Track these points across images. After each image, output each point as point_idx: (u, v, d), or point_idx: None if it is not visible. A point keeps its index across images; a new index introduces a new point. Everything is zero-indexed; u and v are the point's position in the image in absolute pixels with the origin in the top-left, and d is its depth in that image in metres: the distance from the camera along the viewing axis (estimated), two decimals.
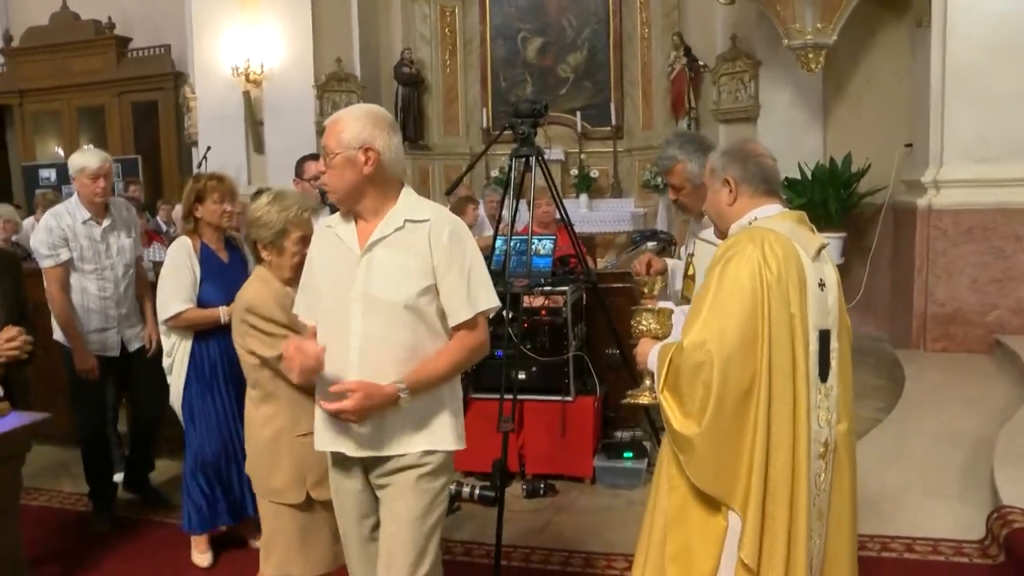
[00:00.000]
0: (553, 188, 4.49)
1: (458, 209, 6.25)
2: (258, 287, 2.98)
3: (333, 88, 10.43)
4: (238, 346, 3.02)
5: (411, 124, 10.89)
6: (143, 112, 12.67)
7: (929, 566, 3.63)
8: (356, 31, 10.57)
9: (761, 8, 8.24)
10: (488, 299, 2.54)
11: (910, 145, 7.73)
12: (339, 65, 10.44)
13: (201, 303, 3.87)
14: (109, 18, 12.43)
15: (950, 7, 6.81)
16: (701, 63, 9.24)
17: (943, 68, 6.92)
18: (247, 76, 10.57)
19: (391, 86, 11.05)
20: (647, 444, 4.94)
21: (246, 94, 10.67)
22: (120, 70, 12.58)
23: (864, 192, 8.05)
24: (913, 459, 4.69)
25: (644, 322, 2.59)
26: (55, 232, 4.32)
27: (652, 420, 4.91)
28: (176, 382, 3.95)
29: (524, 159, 4.19)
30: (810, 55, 7.79)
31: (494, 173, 10.44)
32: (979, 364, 6.53)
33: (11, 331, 3.28)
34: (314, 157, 4.68)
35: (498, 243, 4.98)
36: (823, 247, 2.50)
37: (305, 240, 2.91)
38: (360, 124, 2.47)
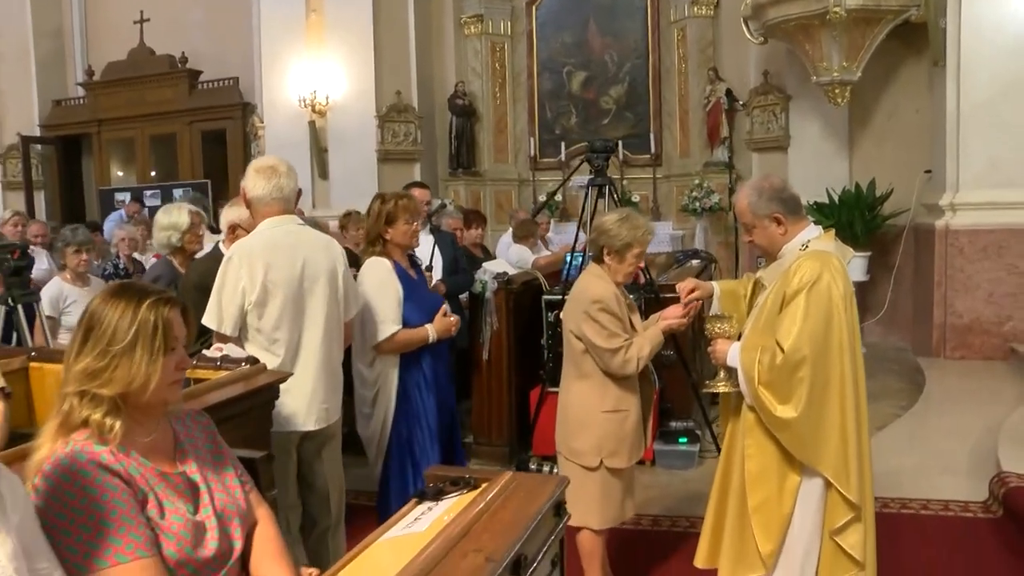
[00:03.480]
0: None
1: (527, 230, 7.04)
2: (600, 283, 3.49)
3: (393, 119, 11.28)
4: (568, 331, 3.55)
5: (464, 152, 11.74)
6: (212, 140, 13.48)
7: (940, 520, 4.41)
8: (414, 66, 11.38)
9: (791, 47, 9.03)
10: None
11: (929, 171, 8.43)
12: (398, 97, 11.28)
13: (403, 324, 3.85)
14: (182, 53, 13.28)
15: (963, 49, 7.57)
16: (739, 102, 9.99)
17: (958, 103, 7.66)
18: (313, 107, 11.40)
19: (446, 116, 11.85)
20: (698, 432, 5.71)
21: (311, 123, 11.51)
22: (191, 101, 13.43)
23: (888, 215, 8.70)
24: (928, 444, 5.45)
25: (719, 326, 3.21)
26: None
27: (704, 411, 5.71)
28: (380, 416, 3.92)
29: (599, 187, 4.99)
30: (836, 90, 8.57)
31: (541, 197, 11.21)
32: (995, 369, 7.19)
33: None
34: (419, 184, 5.49)
35: (567, 258, 5.81)
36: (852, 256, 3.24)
37: (642, 255, 3.55)
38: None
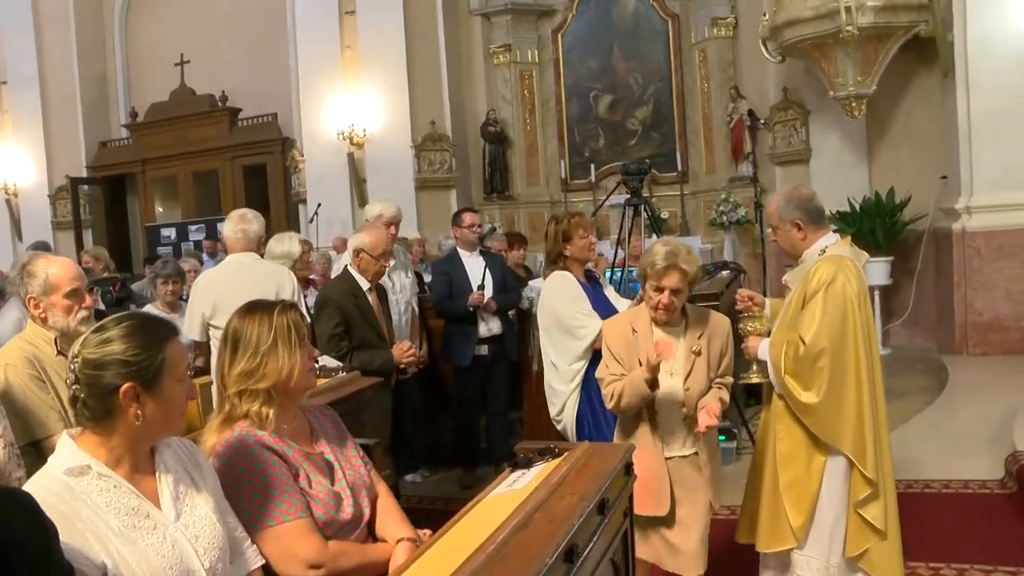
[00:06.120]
0: (656, 228, 5.72)
1: None
2: (622, 315, 3.68)
3: (428, 147, 11.82)
4: None
5: (497, 177, 12.25)
6: (253, 174, 14.05)
7: (960, 497, 4.82)
8: (447, 96, 11.93)
9: (808, 64, 9.45)
10: None
11: (945, 177, 8.81)
12: (433, 127, 11.81)
13: None
14: (222, 92, 13.91)
15: (970, 61, 8.00)
16: (760, 120, 10.42)
17: (968, 112, 8.07)
18: (351, 139, 11.97)
19: (478, 144, 12.35)
20: (735, 430, 6.12)
21: (350, 155, 12.06)
22: (232, 137, 14.04)
23: (907, 220, 9.05)
24: (949, 432, 5.85)
25: (751, 324, 3.62)
26: None
27: (741, 411, 6.11)
28: (572, 408, 4.18)
29: (634, 207, 5.44)
30: (853, 104, 8.96)
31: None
32: (1015, 363, 7.52)
33: (405, 343, 4.51)
34: (470, 210, 5.95)
35: (608, 273, 6.25)
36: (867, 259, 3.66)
37: (658, 288, 3.29)
38: None
